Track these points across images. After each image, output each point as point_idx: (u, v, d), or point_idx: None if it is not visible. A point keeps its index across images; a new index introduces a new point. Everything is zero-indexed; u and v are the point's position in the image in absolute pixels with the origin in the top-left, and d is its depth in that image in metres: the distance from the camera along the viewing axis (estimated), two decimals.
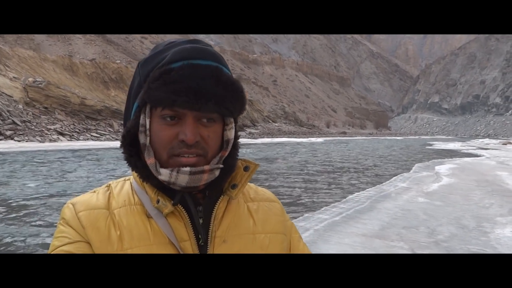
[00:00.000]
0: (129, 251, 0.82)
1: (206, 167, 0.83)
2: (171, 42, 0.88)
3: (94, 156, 21.64)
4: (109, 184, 0.93)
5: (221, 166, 0.87)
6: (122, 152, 0.88)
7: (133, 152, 0.86)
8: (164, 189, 0.86)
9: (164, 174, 0.82)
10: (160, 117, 0.82)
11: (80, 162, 18.60)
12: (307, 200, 10.31)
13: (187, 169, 0.81)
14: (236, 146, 0.91)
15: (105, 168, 16.62)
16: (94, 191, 0.92)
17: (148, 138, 0.84)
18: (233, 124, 0.89)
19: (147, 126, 0.84)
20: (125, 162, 0.88)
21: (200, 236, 0.86)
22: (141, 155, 0.86)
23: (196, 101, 0.79)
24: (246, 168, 0.92)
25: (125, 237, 0.83)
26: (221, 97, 0.82)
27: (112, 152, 23.78)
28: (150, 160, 0.84)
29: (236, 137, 0.91)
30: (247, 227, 0.92)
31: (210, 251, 0.86)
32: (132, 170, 0.88)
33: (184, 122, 0.82)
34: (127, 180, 0.94)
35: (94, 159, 20.23)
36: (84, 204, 0.87)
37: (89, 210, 0.86)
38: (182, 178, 0.82)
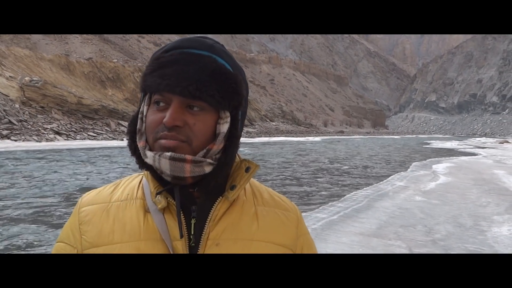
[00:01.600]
0: (117, 245, 0.84)
1: (188, 157, 0.82)
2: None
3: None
4: (121, 180, 0.97)
5: (210, 161, 0.84)
6: (126, 139, 0.91)
7: (134, 138, 0.88)
8: (161, 180, 0.86)
9: (149, 157, 0.83)
10: (153, 103, 0.85)
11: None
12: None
13: (168, 154, 0.81)
14: (233, 144, 0.87)
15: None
16: (105, 186, 0.96)
17: (144, 125, 0.86)
18: (228, 119, 0.86)
19: (145, 113, 0.86)
20: (127, 147, 0.90)
21: (191, 237, 0.85)
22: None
23: (177, 85, 0.80)
24: (247, 169, 0.90)
25: (117, 231, 0.85)
26: (205, 83, 0.81)
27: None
28: (141, 143, 0.86)
29: (235, 135, 0.88)
30: (247, 232, 0.88)
31: (200, 252, 0.85)
32: (132, 155, 0.90)
33: (170, 107, 0.82)
34: (140, 175, 0.95)
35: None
36: (88, 200, 0.92)
37: (90, 205, 0.91)
38: (164, 163, 0.81)
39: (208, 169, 0.84)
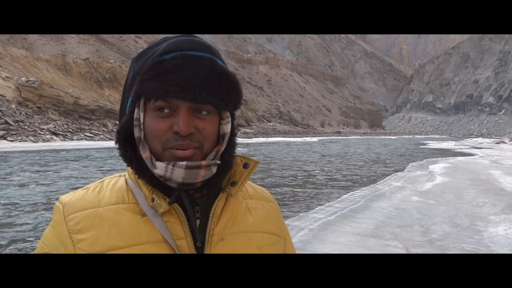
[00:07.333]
0: (120, 251, 0.80)
1: (203, 162, 0.81)
2: (165, 37, 0.87)
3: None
4: (103, 180, 0.91)
5: (218, 162, 0.85)
6: (117, 148, 0.86)
7: (128, 147, 0.85)
8: (160, 186, 0.83)
9: (160, 168, 0.80)
10: (153, 109, 0.81)
11: None
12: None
13: (184, 163, 0.80)
14: (233, 143, 0.89)
15: None
16: (86, 188, 0.89)
17: (142, 132, 0.83)
18: (229, 119, 0.87)
19: (141, 120, 0.82)
20: (120, 158, 0.86)
21: (197, 237, 0.84)
22: (137, 150, 0.84)
23: (189, 91, 0.78)
24: (245, 165, 0.91)
25: (115, 237, 0.81)
26: (215, 88, 0.80)
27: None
28: (145, 154, 0.82)
29: (233, 134, 0.89)
30: (245, 224, 0.90)
31: (207, 249, 0.84)
32: (128, 166, 0.86)
33: (178, 113, 0.80)
34: (122, 176, 0.91)
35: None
36: (73, 206, 0.85)
37: (78, 212, 0.83)
38: (178, 172, 0.80)
39: (214, 170, 0.84)
